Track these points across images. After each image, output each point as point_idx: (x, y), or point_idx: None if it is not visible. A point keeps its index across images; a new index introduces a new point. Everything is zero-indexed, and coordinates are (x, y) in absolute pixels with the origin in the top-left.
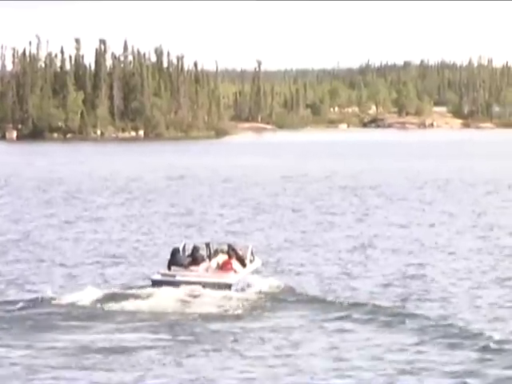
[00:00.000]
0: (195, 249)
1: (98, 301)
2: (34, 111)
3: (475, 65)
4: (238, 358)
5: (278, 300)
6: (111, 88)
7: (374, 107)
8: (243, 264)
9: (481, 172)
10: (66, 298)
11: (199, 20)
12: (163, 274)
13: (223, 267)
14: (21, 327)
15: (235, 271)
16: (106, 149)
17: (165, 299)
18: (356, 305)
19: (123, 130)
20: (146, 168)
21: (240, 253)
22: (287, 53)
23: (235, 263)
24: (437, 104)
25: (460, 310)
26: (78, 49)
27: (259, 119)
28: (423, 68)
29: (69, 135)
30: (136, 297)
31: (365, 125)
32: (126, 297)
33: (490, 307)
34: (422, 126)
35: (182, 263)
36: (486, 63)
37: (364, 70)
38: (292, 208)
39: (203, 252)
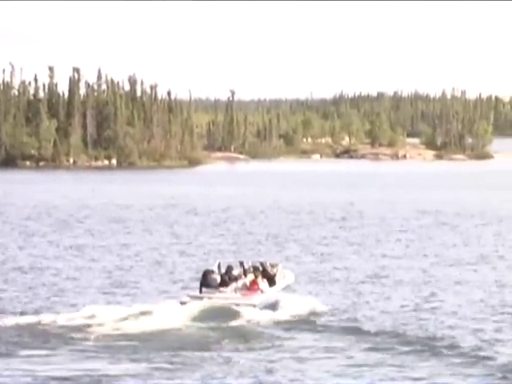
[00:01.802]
0: (229, 268)
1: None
2: (6, 139)
3: (448, 96)
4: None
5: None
6: (84, 116)
7: (347, 138)
8: (273, 282)
9: (463, 203)
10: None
11: (173, 49)
12: (192, 297)
13: (250, 287)
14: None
15: (262, 291)
16: (80, 177)
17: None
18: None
19: (96, 159)
20: (132, 196)
21: (270, 271)
22: (261, 83)
23: (262, 283)
24: (410, 135)
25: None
26: (51, 77)
27: (232, 149)
28: (396, 99)
29: (41, 163)
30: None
31: (338, 155)
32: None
33: None
34: (395, 157)
35: (212, 285)
36: (459, 95)
37: (337, 101)
38: (295, 239)
39: (237, 270)
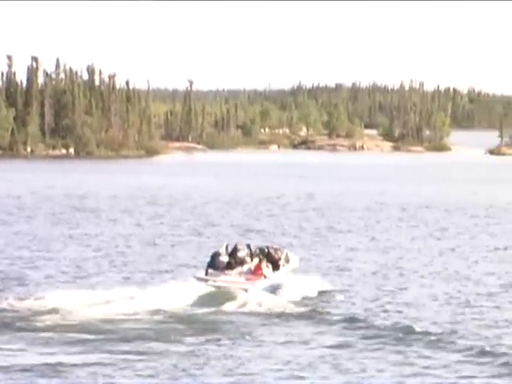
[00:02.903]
0: (235, 249)
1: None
2: None
3: (406, 88)
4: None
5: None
6: (42, 105)
7: (304, 129)
8: (277, 266)
9: (423, 195)
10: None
11: (131, 39)
12: (197, 278)
13: (254, 272)
14: None
15: (265, 276)
16: (38, 166)
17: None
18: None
19: (54, 148)
20: (94, 186)
21: (275, 255)
22: (219, 73)
23: (265, 268)
24: (368, 127)
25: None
26: (10, 66)
27: (190, 139)
28: (354, 90)
29: None
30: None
31: (295, 146)
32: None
33: None
34: (353, 148)
35: (218, 266)
36: (417, 87)
37: (295, 92)
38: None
39: (244, 252)
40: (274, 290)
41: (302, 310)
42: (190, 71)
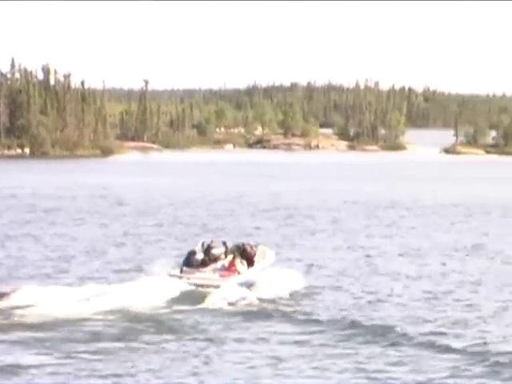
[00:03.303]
0: (209, 247)
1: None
2: None
3: (362, 87)
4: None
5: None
6: None
7: (260, 128)
8: (252, 262)
9: (381, 194)
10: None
11: (87, 39)
12: (172, 276)
13: (228, 268)
14: None
15: (239, 272)
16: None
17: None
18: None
19: (9, 148)
20: (53, 186)
21: (250, 251)
22: (174, 73)
23: (239, 264)
24: (323, 126)
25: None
26: None
27: (145, 138)
28: (310, 89)
29: None
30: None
31: (251, 145)
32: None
33: None
34: (308, 147)
35: (193, 264)
36: (372, 86)
37: (251, 91)
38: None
39: (219, 250)
40: (248, 286)
41: (274, 307)
42: (145, 71)
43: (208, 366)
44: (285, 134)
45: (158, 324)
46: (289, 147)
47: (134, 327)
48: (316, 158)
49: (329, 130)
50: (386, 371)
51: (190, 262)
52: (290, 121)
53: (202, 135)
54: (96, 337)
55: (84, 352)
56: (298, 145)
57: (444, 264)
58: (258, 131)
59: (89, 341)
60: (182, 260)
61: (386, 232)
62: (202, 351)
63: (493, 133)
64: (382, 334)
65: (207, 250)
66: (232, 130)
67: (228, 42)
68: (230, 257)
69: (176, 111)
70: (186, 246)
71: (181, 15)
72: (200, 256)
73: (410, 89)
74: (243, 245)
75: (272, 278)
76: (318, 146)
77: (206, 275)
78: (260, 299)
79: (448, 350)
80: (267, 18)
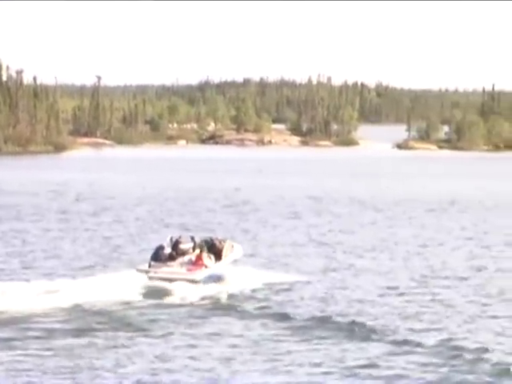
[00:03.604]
0: (177, 242)
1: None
2: None
3: (314, 83)
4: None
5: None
6: None
7: (212, 124)
8: (220, 256)
9: (333, 190)
10: None
11: (39, 34)
12: (139, 270)
13: (195, 263)
14: None
15: (206, 266)
16: None
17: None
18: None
19: None
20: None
21: (218, 246)
22: (127, 68)
23: (206, 258)
24: (276, 121)
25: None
26: None
27: (98, 134)
28: (262, 85)
29: None
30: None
31: (203, 141)
32: None
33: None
34: (261, 143)
35: (161, 258)
36: (324, 81)
37: (203, 87)
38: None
39: (187, 245)
40: (215, 280)
41: (236, 302)
42: (97, 67)
43: (163, 362)
44: (237, 130)
45: (115, 320)
46: (241, 143)
47: (91, 323)
48: (269, 154)
49: (281, 126)
50: (348, 367)
51: (158, 256)
52: (243, 116)
53: (155, 131)
54: (51, 333)
55: (39, 348)
56: (250, 140)
57: (407, 259)
58: (211, 127)
59: (44, 337)
60: (150, 255)
61: (345, 227)
62: (158, 347)
63: (445, 128)
64: (344, 329)
65: (175, 245)
66: (185, 126)
67: (180, 37)
68: (198, 251)
69: (129, 107)
70: (147, 242)
71: (132, 10)
72: (168, 251)
73: (362, 84)
74: (211, 239)
75: (238, 273)
76: (270, 142)
77: (174, 269)
78: (225, 293)
79: (417, 345)
80: (219, 13)
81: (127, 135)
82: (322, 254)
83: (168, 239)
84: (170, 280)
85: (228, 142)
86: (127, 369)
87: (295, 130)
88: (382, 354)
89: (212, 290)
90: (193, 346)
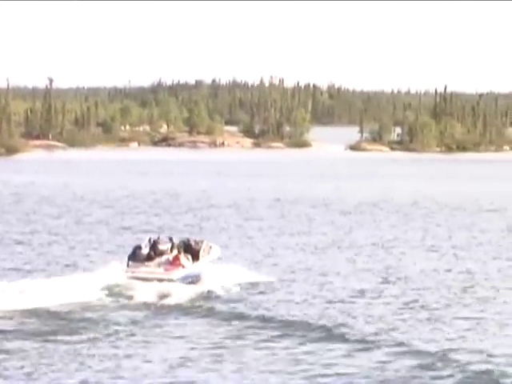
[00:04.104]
0: (155, 243)
1: None
2: None
3: (266, 84)
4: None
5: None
6: None
7: (165, 126)
8: (197, 257)
9: (289, 191)
10: None
11: None
12: (116, 270)
13: (173, 263)
14: None
15: (183, 266)
16: None
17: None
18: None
19: None
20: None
21: (195, 247)
22: (79, 71)
23: (183, 258)
24: (228, 123)
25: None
26: None
27: (50, 137)
28: (214, 87)
29: None
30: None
31: (156, 143)
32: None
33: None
34: (213, 145)
35: (139, 258)
36: (277, 83)
37: (155, 89)
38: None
39: (165, 245)
40: (192, 280)
41: (206, 303)
42: (49, 69)
43: (126, 363)
44: (190, 132)
45: (75, 322)
46: (194, 145)
47: (50, 325)
48: (222, 156)
49: (234, 128)
50: (314, 369)
51: (135, 256)
52: (195, 118)
53: (107, 133)
54: (6, 335)
55: None
56: (203, 142)
57: (374, 259)
58: (163, 129)
59: (1, 339)
60: (124, 255)
61: (306, 228)
62: (121, 350)
63: (398, 129)
64: (314, 330)
65: (153, 245)
66: (137, 128)
67: (132, 39)
68: (175, 251)
69: (81, 109)
70: (113, 245)
71: (84, 12)
72: (146, 251)
73: (314, 86)
74: (188, 240)
75: (215, 273)
76: (223, 144)
77: (151, 269)
78: (195, 294)
79: (383, 345)
80: (170, 15)
81: (79, 137)
82: (286, 254)
83: (146, 239)
84: (148, 280)
85: (180, 144)
86: (87, 372)
87: (248, 132)
88: (344, 355)
89: (186, 290)
90: (156, 347)
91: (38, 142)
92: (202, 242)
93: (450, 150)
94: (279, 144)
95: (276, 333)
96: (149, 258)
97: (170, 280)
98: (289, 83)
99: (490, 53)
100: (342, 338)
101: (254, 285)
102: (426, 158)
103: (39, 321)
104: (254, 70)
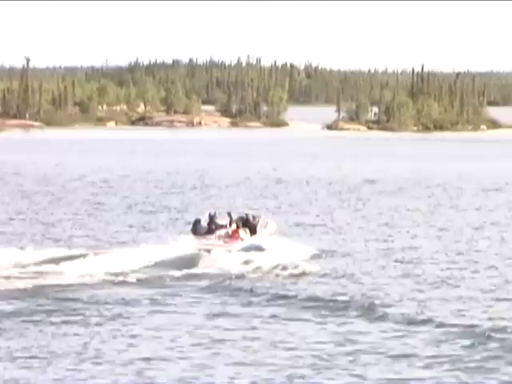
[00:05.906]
0: (214, 217)
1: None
2: None
3: (243, 64)
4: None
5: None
6: None
7: (142, 105)
8: (254, 231)
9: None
10: None
11: None
12: (178, 241)
13: (232, 236)
14: None
15: (242, 239)
16: None
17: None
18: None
19: None
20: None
21: (253, 221)
22: (56, 50)
23: (242, 232)
24: (205, 102)
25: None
26: None
27: (27, 116)
28: (192, 66)
29: None
30: None
31: (133, 123)
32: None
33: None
34: (191, 124)
35: (200, 232)
36: (254, 62)
37: (133, 68)
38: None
39: (224, 220)
40: (250, 252)
41: (254, 282)
42: (26, 48)
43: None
44: (167, 111)
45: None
46: (171, 124)
47: (50, 304)
48: (200, 135)
49: (211, 107)
50: (353, 348)
51: (196, 229)
52: (173, 98)
53: (85, 113)
54: (5, 314)
55: None
56: (180, 122)
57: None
58: (141, 108)
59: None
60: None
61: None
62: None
63: (375, 108)
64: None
65: (212, 220)
66: (114, 108)
67: (109, 18)
68: (234, 226)
69: (58, 89)
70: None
71: None
72: (205, 224)
73: (291, 65)
74: (246, 215)
75: (273, 246)
76: (200, 123)
77: (212, 241)
78: (246, 271)
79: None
80: None
81: (56, 117)
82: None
83: (206, 214)
84: (209, 251)
85: (158, 124)
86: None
87: (225, 112)
88: (390, 335)
89: (242, 264)
90: (198, 322)
91: (14, 122)
92: (259, 217)
93: (426, 129)
94: (256, 123)
95: (321, 312)
96: (209, 231)
97: (230, 251)
98: (266, 62)
99: (468, 32)
100: (392, 318)
101: (308, 259)
102: (403, 137)
103: (38, 300)
104: (231, 49)
